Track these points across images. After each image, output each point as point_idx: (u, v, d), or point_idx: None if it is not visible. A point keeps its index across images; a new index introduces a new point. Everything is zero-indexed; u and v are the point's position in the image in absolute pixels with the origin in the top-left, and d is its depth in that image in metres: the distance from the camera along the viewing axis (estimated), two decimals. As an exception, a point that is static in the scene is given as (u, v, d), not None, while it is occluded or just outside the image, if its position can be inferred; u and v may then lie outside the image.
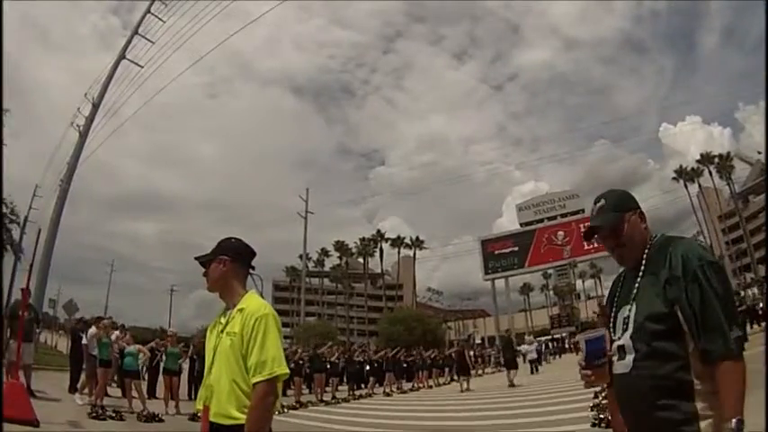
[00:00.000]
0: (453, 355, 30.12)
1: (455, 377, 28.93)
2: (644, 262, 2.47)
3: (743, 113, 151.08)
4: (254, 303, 3.14)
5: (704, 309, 2.13)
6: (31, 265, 13.91)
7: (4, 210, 34.72)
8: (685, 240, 2.42)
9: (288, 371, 3.03)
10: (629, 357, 2.34)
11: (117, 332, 15.72)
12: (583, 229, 2.86)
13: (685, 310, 2.18)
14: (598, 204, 2.66)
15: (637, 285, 2.43)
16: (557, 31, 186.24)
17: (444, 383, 29.26)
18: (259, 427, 2.86)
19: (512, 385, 22.88)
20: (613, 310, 2.61)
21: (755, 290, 25.98)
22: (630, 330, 2.36)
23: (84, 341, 15.37)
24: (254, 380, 2.93)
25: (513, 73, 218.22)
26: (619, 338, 2.45)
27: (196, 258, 3.37)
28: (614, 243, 2.57)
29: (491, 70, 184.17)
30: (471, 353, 34.53)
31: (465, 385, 23.99)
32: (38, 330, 18.95)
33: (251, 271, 3.39)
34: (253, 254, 3.41)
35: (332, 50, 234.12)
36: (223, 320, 3.23)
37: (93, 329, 14.96)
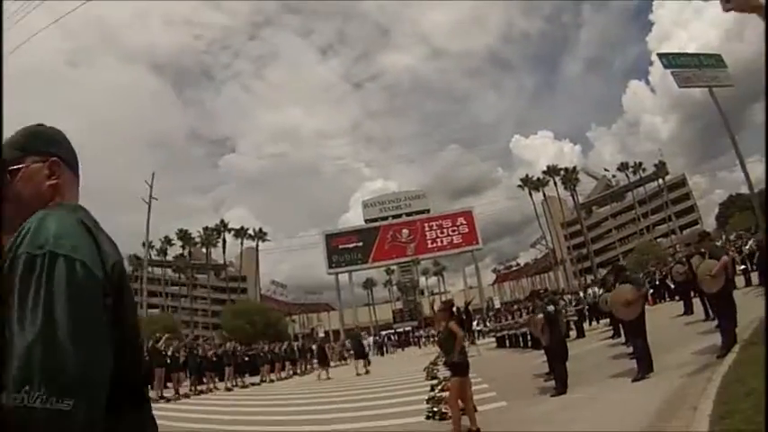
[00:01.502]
0: (315, 348, 32.33)
1: (305, 368, 31.20)
2: None
3: (594, 133, 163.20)
4: None
5: (10, 337, 1.18)
6: None
7: None
8: (54, 212, 1.45)
9: None
10: None
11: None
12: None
13: None
14: (10, 136, 1.64)
15: None
16: (426, 40, 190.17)
17: (287, 377, 29.28)
18: None
19: (360, 374, 25.22)
20: None
21: (596, 289, 27.62)
22: None
23: None
24: None
25: (375, 73, 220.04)
26: None
27: None
28: None
29: (354, 68, 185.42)
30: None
31: (325, 375, 25.90)
32: None
33: None
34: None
35: (198, 30, 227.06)
36: None
37: None
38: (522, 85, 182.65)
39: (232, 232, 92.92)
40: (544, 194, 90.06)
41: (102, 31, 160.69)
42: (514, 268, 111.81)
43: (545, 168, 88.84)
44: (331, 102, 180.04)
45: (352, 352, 34.01)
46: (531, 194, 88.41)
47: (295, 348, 33.89)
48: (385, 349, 54.47)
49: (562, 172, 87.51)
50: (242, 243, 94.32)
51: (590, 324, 26.61)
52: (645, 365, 9.86)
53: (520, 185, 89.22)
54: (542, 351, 12.50)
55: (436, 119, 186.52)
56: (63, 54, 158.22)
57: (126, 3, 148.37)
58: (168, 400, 19.43)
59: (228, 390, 23.66)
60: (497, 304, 66.39)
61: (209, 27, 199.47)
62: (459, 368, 8.41)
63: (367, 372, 25.72)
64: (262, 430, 12.43)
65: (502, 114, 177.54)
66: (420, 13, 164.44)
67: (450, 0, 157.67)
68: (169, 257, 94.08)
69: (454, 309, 9.99)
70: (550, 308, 11.71)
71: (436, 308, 11.47)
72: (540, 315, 11.77)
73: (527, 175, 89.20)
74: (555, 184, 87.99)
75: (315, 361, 33.34)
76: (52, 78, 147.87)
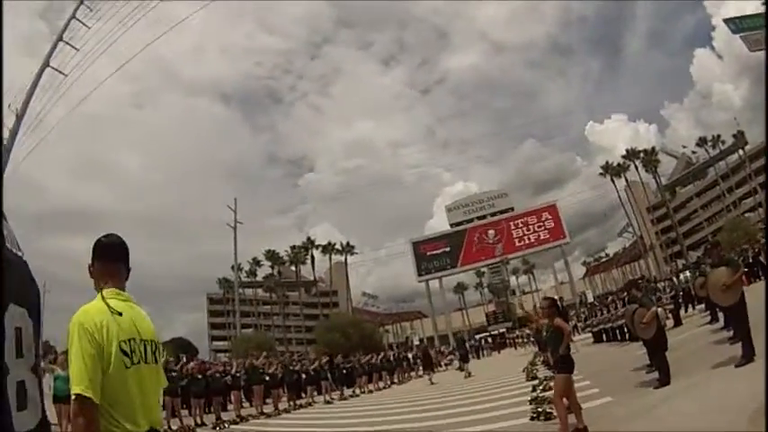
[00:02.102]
0: (420, 353, 34.57)
1: (402, 377, 32.04)
2: None
3: (668, 111, 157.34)
4: (81, 308, 2.76)
5: None
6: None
7: None
8: None
9: (83, 390, 2.47)
10: None
11: (62, 356, 15.28)
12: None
13: None
14: None
15: None
16: (485, 36, 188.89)
17: (385, 387, 29.32)
18: None
19: (468, 375, 26.04)
20: None
21: (687, 273, 26.81)
22: None
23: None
24: None
25: (440, 77, 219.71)
26: None
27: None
28: None
29: (419, 74, 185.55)
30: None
31: (432, 379, 27.07)
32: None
33: (109, 263, 2.98)
34: (104, 246, 2.99)
35: (258, 57, 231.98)
36: None
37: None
38: (587, 70, 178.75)
39: (319, 248, 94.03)
40: (626, 180, 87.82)
41: (162, 70, 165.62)
42: (604, 259, 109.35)
43: (624, 153, 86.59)
44: (401, 110, 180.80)
45: (450, 357, 34.36)
46: (613, 181, 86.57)
47: (391, 358, 33.98)
48: (481, 352, 54.36)
49: (641, 154, 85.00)
50: (330, 258, 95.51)
51: (686, 311, 25.84)
52: (748, 350, 9.47)
53: (601, 173, 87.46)
54: (641, 343, 12.16)
55: (507, 115, 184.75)
56: (128, 98, 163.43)
57: (181, 40, 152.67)
58: (269, 416, 19.70)
59: (328, 403, 23.82)
60: (590, 298, 65.00)
61: (268, 52, 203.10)
62: (565, 364, 8.26)
63: (468, 374, 26.32)
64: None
65: (572, 102, 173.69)
66: (475, 10, 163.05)
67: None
68: (259, 278, 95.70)
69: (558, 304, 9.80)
70: (650, 297, 11.43)
71: (527, 307, 11.28)
72: (638, 306, 11.49)
73: (607, 162, 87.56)
74: (636, 167, 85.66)
75: (414, 370, 33.83)
76: (121, 122, 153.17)
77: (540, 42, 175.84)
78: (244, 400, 22.33)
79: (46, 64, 34.46)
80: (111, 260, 2.97)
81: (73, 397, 2.49)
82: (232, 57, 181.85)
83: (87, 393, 2.47)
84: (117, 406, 2.56)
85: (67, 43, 35.32)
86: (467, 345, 33.37)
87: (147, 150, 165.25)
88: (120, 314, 2.75)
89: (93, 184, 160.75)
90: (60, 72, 35.01)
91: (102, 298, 2.79)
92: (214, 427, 17.20)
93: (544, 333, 9.82)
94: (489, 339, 65.46)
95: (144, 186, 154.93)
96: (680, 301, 25.89)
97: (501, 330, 69.92)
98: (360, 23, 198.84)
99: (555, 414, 8.79)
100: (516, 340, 55.37)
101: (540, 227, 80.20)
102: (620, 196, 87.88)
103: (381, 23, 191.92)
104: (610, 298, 29.47)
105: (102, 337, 2.61)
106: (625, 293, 18.53)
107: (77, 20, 35.82)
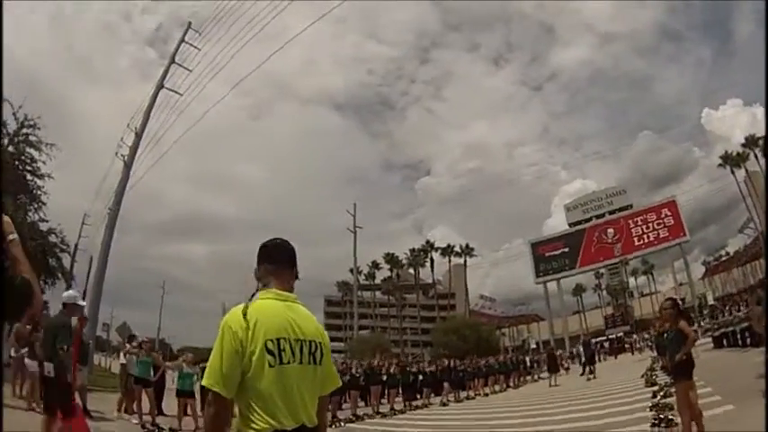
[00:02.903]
0: (538, 357, 37.59)
1: (518, 381, 32.69)
2: None
3: None
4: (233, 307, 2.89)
5: None
6: (85, 292, 14.05)
7: (54, 239, 35.09)
8: None
9: (210, 384, 2.64)
10: None
11: (190, 355, 15.98)
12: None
13: None
14: None
15: None
16: (591, 28, 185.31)
17: (501, 390, 29.00)
18: None
19: (592, 378, 27.16)
20: None
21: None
22: None
23: (123, 360, 15.50)
24: None
25: (551, 73, 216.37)
26: None
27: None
28: None
29: (529, 72, 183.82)
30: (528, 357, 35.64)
31: (554, 381, 27.82)
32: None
33: (263, 265, 3.06)
34: (266, 249, 3.10)
35: (369, 65, 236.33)
36: None
37: (127, 347, 15.10)
38: (698, 55, 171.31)
39: (438, 251, 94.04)
40: (746, 170, 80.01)
41: (274, 83, 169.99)
42: (724, 258, 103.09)
43: (743, 141, 79.14)
44: (514, 110, 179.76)
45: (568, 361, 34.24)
46: (733, 172, 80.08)
47: (508, 361, 33.65)
48: (598, 357, 52.99)
49: (760, 141, 76.99)
50: (449, 260, 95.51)
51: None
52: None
53: (720, 164, 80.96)
54: (762, 348, 11.47)
55: (621, 108, 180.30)
56: (245, 111, 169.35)
57: (292, 54, 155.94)
58: (384, 416, 19.79)
59: (444, 405, 23.70)
60: (711, 300, 61.87)
61: (378, 60, 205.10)
62: (684, 369, 7.88)
63: (592, 377, 27.35)
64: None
65: (685, 90, 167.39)
66: (580, 2, 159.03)
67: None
68: (377, 281, 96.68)
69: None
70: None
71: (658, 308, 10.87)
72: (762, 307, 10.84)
73: (726, 152, 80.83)
74: (755, 156, 77.70)
75: (531, 374, 33.66)
76: (239, 132, 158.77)
77: (647, 30, 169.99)
78: (359, 399, 22.59)
79: (160, 85, 35.94)
80: (272, 262, 3.05)
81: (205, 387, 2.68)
82: (343, 66, 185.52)
83: (215, 388, 2.60)
84: (259, 402, 2.62)
85: (180, 65, 36.73)
86: (592, 347, 33.17)
87: (265, 158, 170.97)
88: (267, 315, 2.78)
89: (214, 193, 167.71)
90: (176, 92, 36.45)
91: (242, 300, 2.90)
92: (329, 425, 17.40)
93: (665, 336, 9.36)
94: (606, 344, 63.58)
95: (263, 192, 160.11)
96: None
97: (618, 334, 67.87)
98: (465, 26, 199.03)
99: (677, 421, 8.42)
100: (634, 345, 53.72)
101: (659, 224, 76.66)
102: (740, 188, 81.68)
103: (486, 24, 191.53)
104: (731, 300, 28.06)
105: (248, 336, 2.66)
106: (748, 295, 17.55)
107: (188, 43, 37.21)
